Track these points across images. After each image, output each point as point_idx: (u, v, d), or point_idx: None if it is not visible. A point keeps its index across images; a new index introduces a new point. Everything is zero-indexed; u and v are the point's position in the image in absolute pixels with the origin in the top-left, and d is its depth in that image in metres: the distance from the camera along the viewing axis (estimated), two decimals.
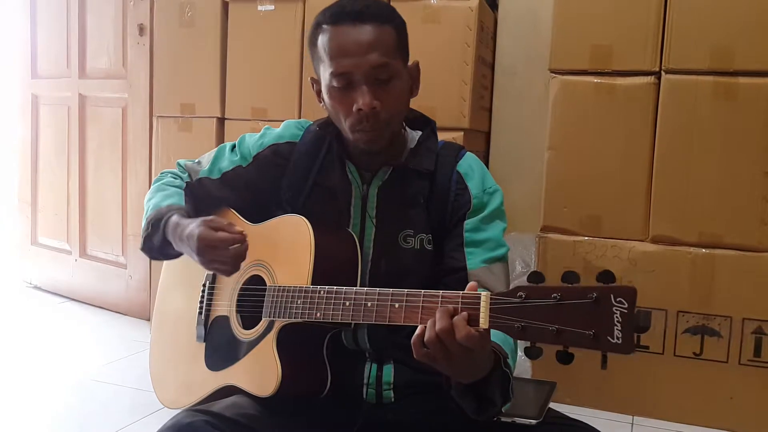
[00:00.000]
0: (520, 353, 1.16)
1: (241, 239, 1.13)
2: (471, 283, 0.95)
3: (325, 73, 1.17)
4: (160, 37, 2.68)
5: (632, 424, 2.06)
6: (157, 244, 1.25)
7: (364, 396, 1.21)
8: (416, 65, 1.23)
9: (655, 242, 2.07)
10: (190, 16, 2.54)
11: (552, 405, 1.24)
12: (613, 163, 2.09)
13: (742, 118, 1.96)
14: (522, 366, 2.16)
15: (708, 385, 2.03)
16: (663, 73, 2.03)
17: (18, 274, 3.58)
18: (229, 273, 1.17)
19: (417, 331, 0.94)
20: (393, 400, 1.21)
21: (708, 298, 2.01)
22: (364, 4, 1.16)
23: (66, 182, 3.27)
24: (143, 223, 1.28)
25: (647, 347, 2.08)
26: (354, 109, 1.14)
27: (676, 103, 2.02)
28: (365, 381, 1.20)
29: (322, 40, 1.17)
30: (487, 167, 1.31)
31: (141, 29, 2.85)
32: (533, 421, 1.13)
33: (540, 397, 1.28)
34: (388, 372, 1.21)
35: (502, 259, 1.20)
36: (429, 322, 0.93)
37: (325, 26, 1.16)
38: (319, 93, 1.23)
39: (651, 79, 2.04)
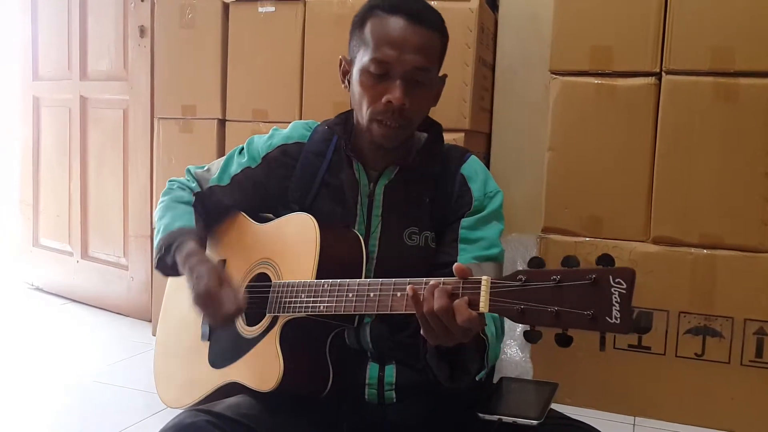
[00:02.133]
0: (515, 345, 1.17)
1: (238, 312, 1.15)
2: (456, 264, 0.96)
3: (364, 56, 1.18)
4: (160, 38, 2.68)
5: (634, 424, 2.06)
6: (170, 264, 1.27)
7: (366, 396, 1.21)
8: (444, 78, 1.27)
9: (656, 243, 2.07)
10: (191, 17, 2.55)
11: (553, 406, 1.24)
12: (613, 164, 2.09)
13: (742, 118, 1.96)
14: (523, 367, 2.16)
15: (710, 385, 2.03)
16: (663, 73, 2.03)
17: (19, 275, 3.58)
18: (212, 324, 1.23)
19: (420, 310, 0.96)
20: (395, 400, 1.21)
21: (709, 298, 2.01)
22: (422, 5, 1.20)
23: (67, 184, 3.27)
24: (155, 242, 1.30)
25: (649, 348, 2.08)
26: (383, 100, 1.16)
27: (676, 104, 2.02)
28: (367, 381, 1.21)
29: (373, 24, 1.19)
30: (488, 168, 1.33)
31: (142, 31, 2.85)
32: (535, 422, 1.13)
33: (541, 398, 1.28)
34: (390, 372, 1.21)
35: (495, 258, 1.22)
36: (426, 300, 0.95)
37: (379, 12, 1.19)
38: (345, 74, 1.26)
39: (651, 80, 2.04)
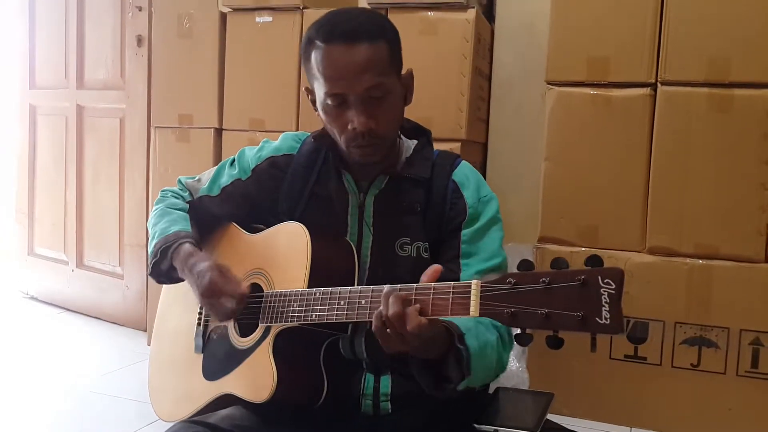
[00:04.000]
0: (511, 355, 1.17)
1: (242, 301, 1.17)
2: (435, 266, 0.98)
3: (319, 90, 1.18)
4: (158, 48, 2.68)
5: None
6: (165, 269, 1.27)
7: (361, 407, 1.20)
8: (410, 74, 1.24)
9: (652, 253, 2.07)
10: (188, 27, 2.55)
11: (549, 416, 1.24)
12: (609, 174, 2.10)
13: (737, 129, 1.97)
14: (520, 377, 2.15)
15: (706, 396, 2.03)
16: (659, 84, 2.04)
17: (15, 284, 3.57)
18: (221, 320, 1.21)
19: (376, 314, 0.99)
20: (390, 411, 1.20)
21: (705, 309, 2.01)
22: (356, 21, 1.16)
23: (63, 193, 3.27)
24: (150, 248, 1.29)
25: (645, 358, 2.08)
26: (349, 128, 1.15)
27: (672, 115, 2.03)
28: (362, 392, 1.20)
29: (315, 57, 1.16)
30: (484, 178, 1.31)
31: (139, 40, 2.86)
32: None
33: (537, 409, 1.28)
34: (386, 383, 1.20)
35: (498, 268, 1.21)
36: (382, 306, 0.97)
37: (318, 43, 1.16)
38: (314, 102, 1.24)
39: (647, 90, 2.05)
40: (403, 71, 1.23)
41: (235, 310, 1.16)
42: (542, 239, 2.17)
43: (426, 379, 1.05)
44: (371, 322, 1.07)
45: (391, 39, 1.19)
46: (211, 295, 1.16)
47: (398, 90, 1.20)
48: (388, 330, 0.97)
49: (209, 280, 1.16)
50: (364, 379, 1.20)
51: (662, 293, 2.04)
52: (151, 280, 1.33)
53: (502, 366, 1.15)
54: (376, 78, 1.14)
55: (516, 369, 2.15)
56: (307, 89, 1.26)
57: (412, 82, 1.24)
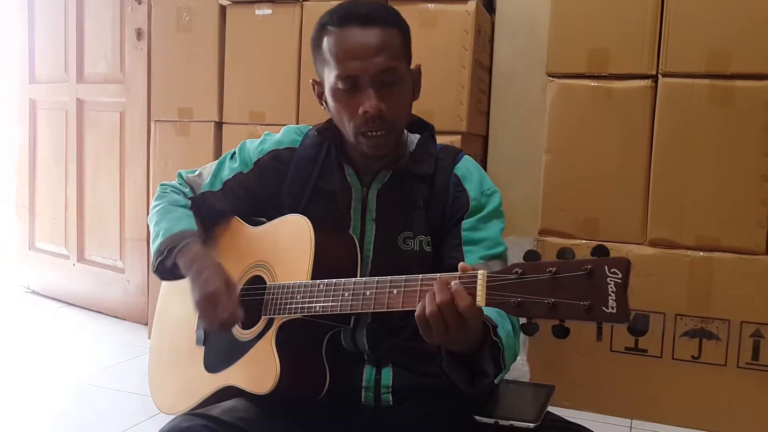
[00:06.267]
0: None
1: (234, 321, 1.17)
2: (461, 263, 0.95)
3: (330, 75, 1.17)
4: (157, 41, 2.68)
5: (630, 427, 2.06)
6: (169, 267, 1.26)
7: (362, 399, 1.21)
8: (418, 69, 1.25)
9: (652, 245, 2.07)
10: (188, 20, 2.55)
11: (550, 408, 1.24)
12: (610, 167, 2.09)
13: (738, 121, 1.96)
14: (520, 370, 2.16)
15: (706, 388, 2.03)
16: (660, 76, 2.03)
17: (16, 279, 3.57)
18: (211, 329, 1.22)
19: (419, 308, 0.95)
20: (391, 403, 1.21)
21: (706, 301, 2.01)
22: (370, 7, 1.17)
23: (64, 187, 3.27)
24: (154, 246, 1.28)
25: (645, 351, 2.08)
26: (360, 111, 1.14)
27: (673, 107, 2.02)
28: (363, 384, 1.21)
29: (327, 42, 1.17)
30: (485, 171, 1.32)
31: (139, 34, 2.85)
32: (531, 425, 1.13)
33: (538, 401, 1.28)
34: (387, 375, 1.21)
35: (500, 256, 1.21)
36: (428, 296, 0.94)
37: (331, 28, 1.17)
38: (320, 95, 1.24)
39: (648, 82, 2.05)
40: (412, 66, 1.23)
41: (228, 324, 1.16)
42: (543, 232, 2.17)
43: (461, 375, 1.03)
44: (373, 314, 1.07)
45: (403, 29, 1.21)
46: (208, 304, 1.16)
47: (409, 80, 1.21)
48: (430, 321, 0.94)
49: (215, 289, 1.15)
50: (366, 371, 1.21)
51: (663, 285, 2.04)
52: (152, 274, 1.33)
53: (516, 356, 1.15)
54: (390, 61, 1.15)
55: (517, 361, 2.16)
56: (314, 81, 1.26)
57: (420, 77, 1.25)
